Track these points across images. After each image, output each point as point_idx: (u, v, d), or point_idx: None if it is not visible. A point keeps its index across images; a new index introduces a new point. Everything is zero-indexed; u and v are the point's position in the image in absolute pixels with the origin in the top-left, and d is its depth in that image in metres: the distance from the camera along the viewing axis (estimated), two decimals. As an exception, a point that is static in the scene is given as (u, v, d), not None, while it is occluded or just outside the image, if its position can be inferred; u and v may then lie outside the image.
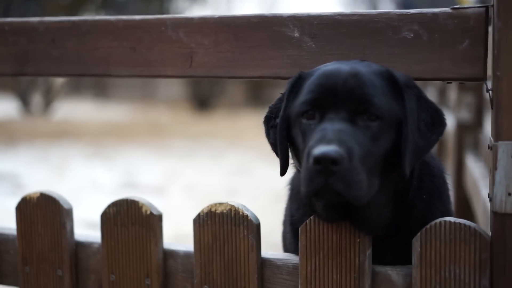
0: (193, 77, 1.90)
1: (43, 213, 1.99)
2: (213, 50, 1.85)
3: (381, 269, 1.72)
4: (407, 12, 1.69)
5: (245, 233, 1.79)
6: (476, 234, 1.60)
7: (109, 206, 1.93)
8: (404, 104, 1.66)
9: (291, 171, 1.86)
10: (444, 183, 1.91)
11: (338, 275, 1.72)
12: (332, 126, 1.62)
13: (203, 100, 19.12)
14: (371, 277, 1.71)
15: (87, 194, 7.00)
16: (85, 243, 2.00)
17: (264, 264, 1.81)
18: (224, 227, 1.81)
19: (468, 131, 4.05)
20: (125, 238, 1.91)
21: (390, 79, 1.67)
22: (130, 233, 1.90)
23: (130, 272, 1.91)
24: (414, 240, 1.65)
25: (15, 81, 17.57)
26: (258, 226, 1.79)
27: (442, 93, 7.38)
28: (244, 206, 1.81)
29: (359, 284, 1.70)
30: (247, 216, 1.79)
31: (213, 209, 1.83)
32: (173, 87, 21.60)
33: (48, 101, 17.79)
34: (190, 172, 8.69)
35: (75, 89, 23.37)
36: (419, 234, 1.65)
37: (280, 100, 1.80)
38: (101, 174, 8.46)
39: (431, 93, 7.67)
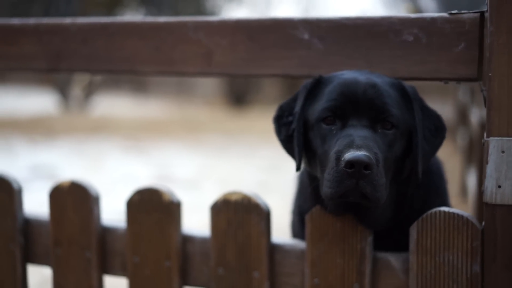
0: (211, 75, 2.05)
1: (73, 200, 2.16)
2: (230, 50, 2.00)
3: (381, 255, 1.85)
4: (408, 17, 1.81)
5: (257, 220, 1.93)
6: (468, 223, 1.73)
7: (133, 194, 2.09)
8: (413, 114, 1.82)
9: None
10: (441, 179, 2.05)
11: (342, 260, 1.86)
12: (357, 132, 1.77)
13: (239, 96, 19.28)
14: (373, 262, 1.84)
15: (122, 186, 7.19)
16: (111, 228, 2.16)
17: (275, 248, 1.95)
18: (238, 214, 1.96)
19: None
20: (147, 223, 2.06)
21: (401, 90, 1.83)
22: (152, 219, 2.06)
23: (152, 255, 2.07)
24: (411, 228, 1.78)
25: (54, 76, 17.92)
26: (268, 213, 1.93)
27: (473, 93, 7.43)
28: (256, 194, 1.95)
29: (361, 268, 1.84)
30: (258, 204, 1.93)
31: (227, 198, 1.97)
32: (210, 84, 21.79)
33: (87, 96, 18.10)
34: (223, 167, 8.85)
35: (114, 84, 23.69)
36: (416, 222, 1.78)
37: (293, 100, 1.94)
38: (136, 167, 8.66)
39: (463, 91, 7.71)
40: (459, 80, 1.79)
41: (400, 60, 1.83)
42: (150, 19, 2.11)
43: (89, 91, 18.16)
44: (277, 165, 8.87)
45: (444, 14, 1.77)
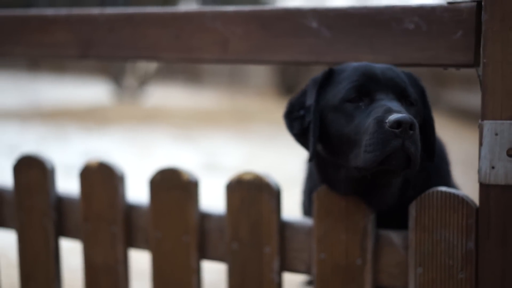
0: (227, 61, 2.17)
1: (101, 179, 2.31)
2: (244, 38, 2.11)
3: (384, 232, 1.95)
4: (409, 6, 1.90)
5: (268, 198, 2.05)
6: (463, 202, 1.82)
7: (156, 174, 2.23)
8: (422, 97, 1.97)
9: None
10: (443, 160, 2.13)
11: (346, 236, 1.96)
12: (390, 103, 1.83)
13: (290, 87, 19.37)
14: (375, 238, 1.94)
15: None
16: (135, 205, 2.31)
17: (285, 225, 2.07)
18: (250, 192, 2.08)
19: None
20: (168, 201, 2.20)
21: (411, 77, 1.98)
22: (172, 197, 2.19)
23: (172, 230, 2.20)
24: (410, 207, 1.88)
25: (107, 65, 18.29)
26: (278, 192, 2.05)
27: None
28: (268, 175, 2.07)
29: (363, 244, 1.94)
30: (269, 183, 2.05)
31: (241, 177, 2.10)
32: (262, 74, 21.92)
33: (140, 85, 18.42)
34: (270, 156, 8.98)
35: (168, 75, 24.02)
36: (414, 201, 1.87)
37: (303, 94, 2.02)
38: (185, 155, 8.85)
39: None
40: (457, 66, 1.88)
41: (402, 47, 1.92)
42: (171, 9, 2.24)
43: (143, 81, 18.47)
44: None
45: (443, 3, 1.86)
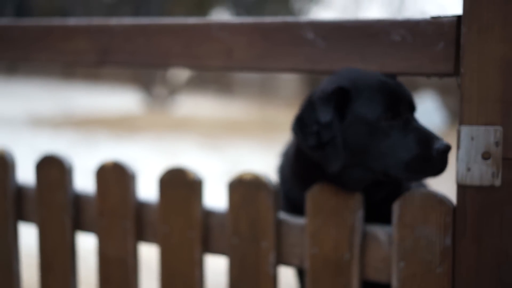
0: (232, 69, 2.34)
1: (114, 177, 2.49)
2: (247, 47, 2.28)
3: (370, 228, 2.10)
4: (396, 20, 2.05)
5: (265, 196, 2.21)
6: (441, 201, 1.96)
7: (164, 173, 2.40)
8: None
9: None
10: None
11: (336, 232, 2.12)
12: (421, 126, 2.09)
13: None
14: (363, 234, 2.09)
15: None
16: (146, 202, 2.48)
17: (281, 222, 2.22)
18: (250, 191, 2.24)
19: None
20: (175, 198, 2.37)
21: None
22: (179, 195, 2.37)
23: (178, 226, 2.37)
24: (394, 205, 2.03)
25: (139, 75, 18.63)
26: (275, 191, 2.21)
27: None
28: (265, 175, 2.23)
29: (351, 239, 2.09)
30: (266, 183, 2.21)
31: (241, 177, 2.26)
32: (292, 86, 22.15)
33: (170, 95, 18.70)
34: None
35: (199, 85, 24.34)
36: (398, 200, 2.02)
37: (312, 111, 2.11)
38: (210, 163, 9.05)
39: None
40: (439, 75, 2.02)
41: (389, 57, 2.07)
42: (181, 20, 2.41)
43: (173, 91, 18.76)
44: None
45: (427, 18, 2.01)
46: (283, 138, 12.12)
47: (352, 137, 2.08)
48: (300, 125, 2.14)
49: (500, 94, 1.86)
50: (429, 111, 15.99)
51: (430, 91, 17.63)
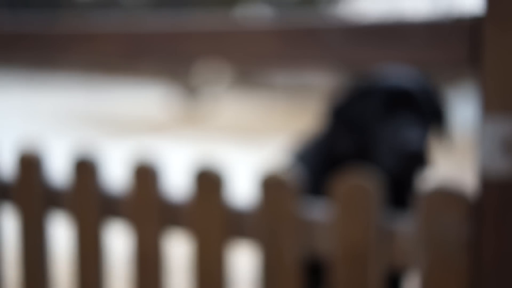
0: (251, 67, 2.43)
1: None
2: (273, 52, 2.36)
3: (393, 220, 2.16)
4: (418, 21, 2.11)
5: (290, 192, 2.28)
6: (462, 195, 2.01)
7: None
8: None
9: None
10: None
11: (360, 224, 2.17)
12: (411, 128, 2.37)
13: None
14: (386, 226, 2.15)
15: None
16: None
17: (305, 215, 2.29)
18: (276, 186, 2.31)
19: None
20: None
21: (424, 86, 2.49)
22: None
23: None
24: (416, 197, 2.07)
25: (178, 77, 18.72)
26: (299, 186, 2.28)
27: None
28: (290, 171, 2.30)
29: (375, 232, 2.15)
30: (290, 180, 2.28)
31: (269, 173, 2.33)
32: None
33: (211, 99, 18.63)
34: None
35: (242, 89, 24.45)
36: (421, 193, 2.07)
37: (353, 101, 2.52)
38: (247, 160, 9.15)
39: None
40: (458, 75, 2.07)
41: (410, 58, 2.14)
42: (210, 25, 2.49)
43: (214, 95, 18.66)
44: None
45: (449, 18, 2.06)
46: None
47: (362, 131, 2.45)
48: (338, 113, 2.56)
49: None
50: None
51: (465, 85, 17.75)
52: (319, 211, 2.30)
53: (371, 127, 2.32)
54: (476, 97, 1.97)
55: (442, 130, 2.50)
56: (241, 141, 11.53)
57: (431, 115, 2.38)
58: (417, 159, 2.23)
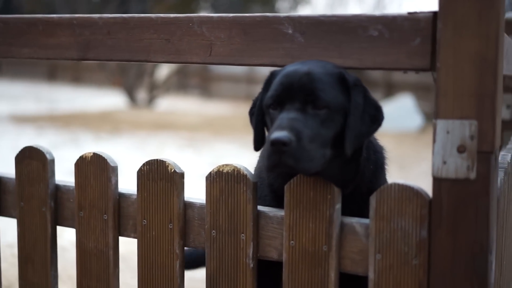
0: (211, 63, 2.36)
1: (94, 169, 2.51)
2: (227, 42, 2.31)
3: (348, 220, 2.13)
4: (373, 15, 2.09)
5: (244, 189, 2.24)
6: (417, 194, 1.99)
7: (143, 165, 2.42)
8: (349, 98, 2.14)
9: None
10: (383, 158, 2.45)
11: (313, 224, 2.14)
12: (287, 115, 2.10)
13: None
14: (340, 226, 2.12)
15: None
16: (126, 195, 2.50)
17: (259, 215, 2.25)
18: (229, 183, 2.26)
19: (507, 129, 4.34)
20: (154, 190, 2.39)
21: (340, 78, 2.16)
22: (159, 187, 2.38)
23: (158, 218, 2.39)
24: (371, 198, 2.06)
25: (123, 78, 18.64)
26: (255, 184, 2.23)
27: None
28: (245, 167, 2.26)
29: (329, 232, 2.12)
30: (246, 175, 2.23)
31: (221, 169, 2.28)
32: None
33: (152, 97, 18.70)
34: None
35: (181, 88, 24.41)
36: (375, 192, 2.05)
37: (259, 94, 2.33)
38: (190, 163, 9.06)
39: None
40: (415, 70, 2.06)
41: (367, 52, 2.10)
42: (163, 15, 2.43)
43: (154, 93, 18.76)
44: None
45: (404, 13, 2.04)
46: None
47: (264, 121, 2.27)
48: (251, 107, 2.37)
49: (474, 88, 1.90)
50: (406, 111, 16.47)
51: (407, 93, 18.30)
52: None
53: (268, 115, 2.22)
54: (433, 101, 1.96)
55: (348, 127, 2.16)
56: (188, 143, 11.44)
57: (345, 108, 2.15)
58: (281, 149, 1.99)
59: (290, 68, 2.17)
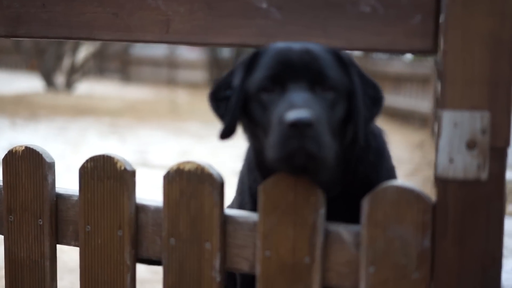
0: (169, 42, 2.02)
1: (27, 166, 2.13)
2: (188, 18, 1.97)
3: (333, 227, 1.83)
4: (366, -13, 1.79)
5: (210, 190, 1.91)
6: (418, 197, 1.71)
7: (87, 161, 2.06)
8: (350, 79, 1.81)
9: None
10: (384, 142, 2.10)
11: (293, 232, 1.83)
12: (298, 95, 1.74)
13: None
14: (324, 234, 1.82)
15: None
16: (65, 196, 2.13)
17: (227, 220, 1.92)
18: (191, 183, 1.93)
19: None
20: (100, 191, 2.04)
21: (336, 56, 1.83)
22: (105, 187, 2.03)
23: (104, 224, 2.04)
24: (363, 201, 1.76)
25: (40, 61, 17.91)
26: (221, 184, 1.91)
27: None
28: (210, 165, 1.93)
29: (312, 240, 1.81)
30: (211, 174, 1.91)
31: (181, 167, 1.95)
32: (195, 72, 21.93)
33: (70, 82, 18.08)
34: (201, 152, 8.83)
35: (100, 72, 23.78)
36: (367, 195, 1.76)
37: (230, 75, 1.94)
38: (115, 151, 8.63)
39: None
40: (414, 52, 1.78)
41: (357, 31, 1.81)
42: (109, -16, 2.07)
43: (73, 77, 18.14)
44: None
45: (402, -15, 1.76)
46: (188, 124, 11.80)
47: (247, 108, 1.87)
48: (215, 90, 1.94)
49: (487, 74, 1.63)
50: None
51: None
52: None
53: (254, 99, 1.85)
54: (438, 91, 1.68)
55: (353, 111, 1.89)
56: (110, 130, 10.99)
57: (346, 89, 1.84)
58: (304, 132, 1.63)
59: (279, 45, 1.83)
